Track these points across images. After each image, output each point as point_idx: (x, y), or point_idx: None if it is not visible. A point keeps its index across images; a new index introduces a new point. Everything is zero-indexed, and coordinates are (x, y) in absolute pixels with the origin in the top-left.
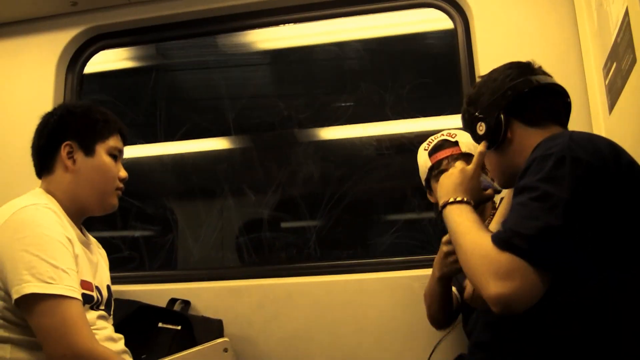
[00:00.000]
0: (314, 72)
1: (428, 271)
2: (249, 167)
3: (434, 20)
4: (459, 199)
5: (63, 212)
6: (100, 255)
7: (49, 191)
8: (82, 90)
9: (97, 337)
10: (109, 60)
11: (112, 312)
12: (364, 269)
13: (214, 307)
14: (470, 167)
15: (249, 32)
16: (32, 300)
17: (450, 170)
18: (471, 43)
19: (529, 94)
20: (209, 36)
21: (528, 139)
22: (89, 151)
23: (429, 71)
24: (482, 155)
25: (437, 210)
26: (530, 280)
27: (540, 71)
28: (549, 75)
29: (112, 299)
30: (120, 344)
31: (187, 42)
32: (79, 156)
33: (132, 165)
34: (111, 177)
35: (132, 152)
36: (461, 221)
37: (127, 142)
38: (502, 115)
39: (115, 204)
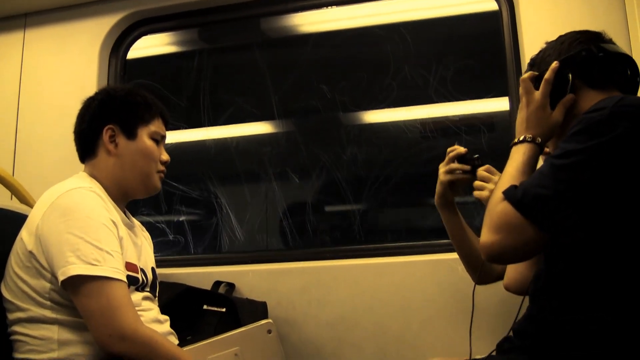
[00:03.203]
0: (358, 55)
1: None
2: (293, 151)
3: (478, 2)
4: (521, 138)
5: (107, 195)
6: (144, 238)
7: (92, 175)
8: (125, 75)
9: (143, 318)
10: (152, 45)
11: (157, 294)
12: (408, 252)
13: (258, 290)
14: (537, 97)
15: (292, 15)
16: (78, 282)
17: (520, 104)
18: (516, 24)
19: (601, 59)
20: (252, 19)
21: (591, 101)
22: (131, 135)
23: (473, 54)
24: (548, 83)
25: None
26: (521, 235)
27: (612, 42)
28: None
29: (157, 281)
30: (166, 326)
31: (230, 26)
32: (121, 140)
33: (177, 150)
34: (153, 160)
35: (176, 136)
36: (509, 165)
37: (168, 125)
38: (569, 75)
39: (159, 186)
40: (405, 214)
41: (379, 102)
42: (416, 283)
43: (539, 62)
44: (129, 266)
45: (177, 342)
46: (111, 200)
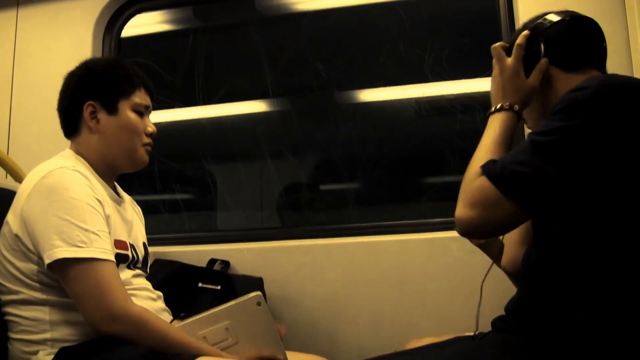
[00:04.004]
0: (353, 33)
1: None
2: (288, 130)
3: None
4: (498, 106)
5: (93, 172)
6: (135, 213)
7: (78, 152)
8: (119, 53)
9: (135, 296)
10: (147, 23)
11: (148, 270)
12: (403, 230)
13: (253, 268)
14: (510, 63)
15: None
16: (65, 265)
17: (493, 73)
18: (512, 2)
19: (565, 37)
20: None
21: (567, 83)
22: (112, 110)
23: (469, 32)
24: (521, 47)
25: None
26: (498, 211)
27: (581, 18)
28: (592, 22)
29: (149, 257)
30: (159, 302)
31: (225, 4)
32: (103, 116)
33: (172, 129)
34: (137, 134)
35: (171, 115)
36: (485, 135)
37: (154, 96)
38: (541, 43)
39: (145, 160)
40: (400, 192)
41: (374, 80)
42: (410, 261)
43: (510, 48)
44: (118, 244)
45: (171, 318)
46: (98, 177)
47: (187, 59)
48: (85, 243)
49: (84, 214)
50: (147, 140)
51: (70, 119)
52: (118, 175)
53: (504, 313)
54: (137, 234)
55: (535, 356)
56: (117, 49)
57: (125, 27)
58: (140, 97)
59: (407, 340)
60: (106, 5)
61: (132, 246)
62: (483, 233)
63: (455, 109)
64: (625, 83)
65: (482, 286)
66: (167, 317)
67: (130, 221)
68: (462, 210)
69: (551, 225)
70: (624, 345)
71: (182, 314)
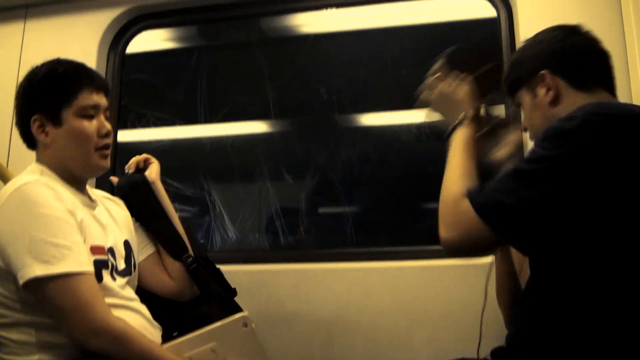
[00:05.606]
0: (355, 57)
1: (463, 261)
2: (288, 151)
3: (476, 9)
4: (457, 121)
5: (60, 180)
6: (114, 211)
7: (41, 163)
8: (123, 69)
9: (124, 308)
10: (151, 40)
11: (133, 270)
12: (400, 257)
13: (248, 290)
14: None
15: (291, 16)
16: (40, 284)
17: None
18: (514, 32)
19: (578, 55)
20: (252, 18)
21: (575, 102)
22: (56, 121)
23: (470, 60)
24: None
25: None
26: (479, 237)
27: (589, 35)
28: (598, 40)
29: (133, 255)
30: (148, 316)
31: (229, 24)
32: (50, 128)
33: (172, 147)
34: (87, 140)
35: (172, 133)
36: (451, 154)
37: (107, 90)
38: (548, 75)
39: (102, 165)
40: (399, 217)
41: (376, 104)
42: (407, 288)
43: (518, 63)
44: (96, 249)
45: (160, 333)
46: (66, 185)
47: (190, 77)
48: (57, 258)
49: (54, 227)
50: (101, 142)
51: (25, 134)
52: (86, 180)
53: (504, 343)
54: (116, 235)
55: None
56: (121, 64)
57: (129, 44)
58: (85, 99)
59: None
60: (112, 21)
61: (110, 250)
62: (464, 254)
63: None
64: (615, 114)
65: (486, 288)
66: (156, 332)
67: (105, 225)
68: (444, 230)
69: (558, 257)
70: None
71: (174, 334)
